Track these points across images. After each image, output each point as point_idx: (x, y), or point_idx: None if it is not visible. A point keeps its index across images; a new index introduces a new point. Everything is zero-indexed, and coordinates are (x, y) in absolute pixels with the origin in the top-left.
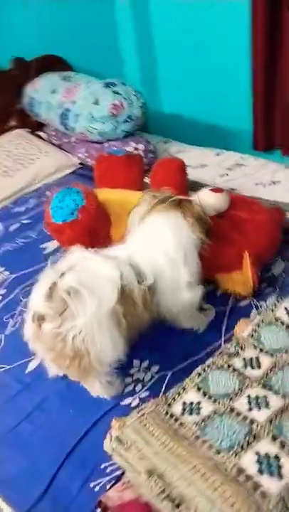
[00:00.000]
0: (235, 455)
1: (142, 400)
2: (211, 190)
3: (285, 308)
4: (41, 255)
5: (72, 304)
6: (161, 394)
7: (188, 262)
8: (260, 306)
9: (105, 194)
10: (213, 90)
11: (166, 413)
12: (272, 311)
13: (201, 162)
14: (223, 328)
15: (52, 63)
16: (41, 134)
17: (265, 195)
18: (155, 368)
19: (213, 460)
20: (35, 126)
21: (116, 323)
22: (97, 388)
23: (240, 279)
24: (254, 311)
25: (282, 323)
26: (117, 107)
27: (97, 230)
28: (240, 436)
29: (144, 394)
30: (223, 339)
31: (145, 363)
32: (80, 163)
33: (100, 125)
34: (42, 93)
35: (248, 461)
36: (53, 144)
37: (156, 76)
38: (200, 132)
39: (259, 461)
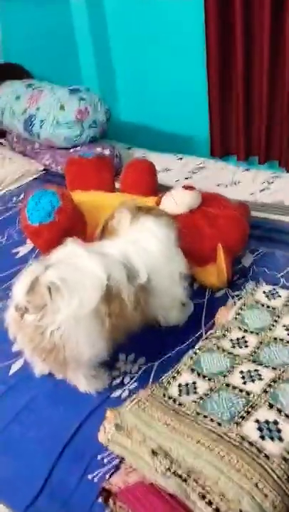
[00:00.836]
0: (237, 425)
1: (132, 392)
2: (183, 187)
3: (264, 292)
4: (14, 259)
5: (51, 300)
6: (149, 384)
7: (179, 256)
8: (235, 296)
9: (77, 196)
10: (170, 99)
11: (164, 395)
12: (252, 295)
13: (165, 166)
14: (203, 319)
15: (12, 71)
16: (2, 141)
17: (227, 195)
18: (141, 360)
19: (215, 432)
20: None
21: (99, 323)
22: (82, 382)
23: (215, 271)
24: (230, 300)
25: (263, 304)
26: (82, 113)
27: (73, 230)
28: (239, 407)
29: (133, 385)
30: (204, 329)
31: (131, 356)
32: (44, 169)
33: (66, 130)
34: (4, 100)
35: (249, 429)
36: (16, 151)
37: (114, 85)
38: (158, 140)
39: (259, 428)
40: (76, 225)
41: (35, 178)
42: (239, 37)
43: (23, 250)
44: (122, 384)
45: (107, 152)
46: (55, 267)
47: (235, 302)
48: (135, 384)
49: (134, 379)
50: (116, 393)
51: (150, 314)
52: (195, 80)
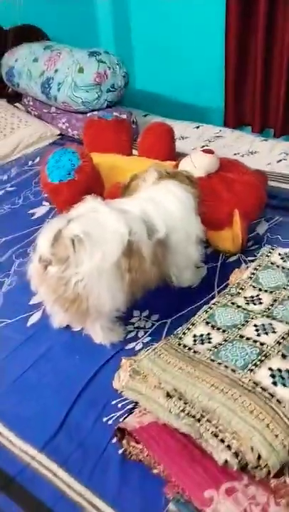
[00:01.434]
0: (250, 371)
1: (146, 345)
2: (202, 151)
3: (279, 254)
4: (30, 220)
5: (74, 252)
6: (163, 338)
7: (196, 220)
8: (249, 261)
9: (95, 158)
10: (187, 68)
11: (179, 344)
12: (267, 256)
13: (182, 134)
14: (216, 281)
15: (29, 33)
16: (18, 105)
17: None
18: (155, 317)
19: (229, 377)
20: (12, 97)
21: (119, 276)
22: (99, 333)
23: (230, 236)
24: (243, 264)
25: (278, 266)
26: (101, 76)
27: (92, 190)
28: (253, 356)
29: (146, 339)
30: (216, 291)
31: (145, 313)
32: (60, 134)
33: (84, 94)
34: (22, 62)
35: (262, 376)
36: (32, 115)
37: (130, 52)
38: (173, 109)
39: (272, 375)
40: (94, 185)
41: (52, 143)
42: (261, 7)
43: (39, 212)
44: (136, 337)
45: (124, 117)
46: (78, 220)
47: (248, 266)
48: (149, 338)
49: (148, 333)
50: (130, 345)
51: (166, 271)
52: (212, 48)
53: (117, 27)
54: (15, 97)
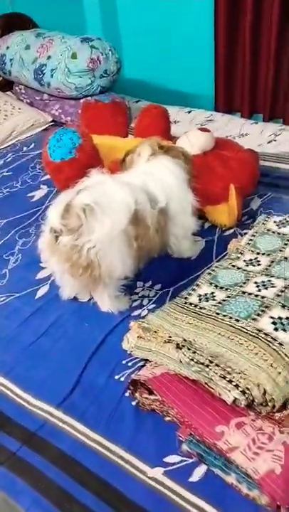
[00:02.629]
0: (253, 320)
1: (150, 311)
2: (198, 129)
3: (274, 221)
4: (30, 202)
5: (86, 221)
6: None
7: (189, 193)
8: (244, 234)
9: (94, 140)
10: (176, 54)
11: (185, 303)
12: (263, 224)
13: (174, 119)
14: (214, 253)
15: (19, 21)
16: (9, 93)
17: None
18: (158, 286)
19: (234, 326)
20: (1, 86)
21: (127, 243)
22: (106, 301)
23: (226, 210)
24: (239, 237)
25: (273, 232)
26: (94, 62)
27: (92, 168)
28: (255, 307)
29: (151, 306)
30: (214, 261)
31: (148, 283)
32: (53, 121)
33: (77, 79)
34: (13, 50)
35: (265, 324)
36: (24, 103)
37: (119, 39)
38: (163, 96)
39: (274, 323)
40: (94, 163)
41: (45, 129)
42: None
43: (38, 194)
44: (141, 305)
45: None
46: (87, 191)
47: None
48: (153, 305)
49: (152, 301)
50: (136, 312)
51: (166, 241)
52: (202, 34)
53: (104, 15)
54: (4, 86)
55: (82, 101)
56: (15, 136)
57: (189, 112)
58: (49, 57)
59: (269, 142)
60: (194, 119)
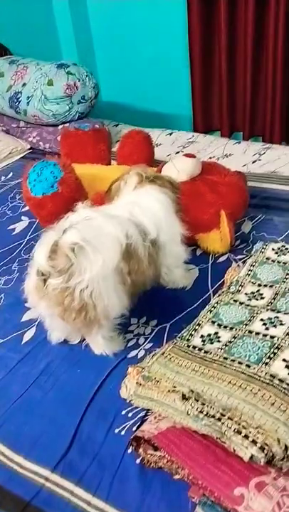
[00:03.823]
0: (265, 364)
1: (148, 351)
2: (183, 155)
3: (273, 249)
4: (11, 236)
5: (77, 260)
6: (164, 343)
7: (177, 222)
8: (238, 260)
9: (76, 169)
10: (152, 77)
11: (188, 346)
12: (261, 252)
13: (156, 141)
14: (209, 282)
15: None
16: None
17: None
18: (153, 322)
19: (245, 373)
20: None
21: (121, 280)
22: (100, 344)
23: (218, 237)
24: (234, 263)
25: (273, 260)
26: (71, 88)
27: (76, 200)
28: (265, 349)
29: (148, 345)
30: (211, 291)
31: (143, 319)
32: (30, 148)
33: (55, 106)
34: None
35: (278, 368)
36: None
37: (94, 65)
38: (141, 119)
39: (287, 366)
40: (79, 196)
41: (23, 157)
42: (222, 12)
43: (19, 227)
44: (136, 345)
45: (96, 128)
46: (74, 229)
47: (239, 265)
48: (150, 344)
49: (149, 339)
50: (132, 353)
51: (159, 271)
52: (177, 55)
53: (79, 39)
54: None
55: (60, 127)
56: None
57: (170, 134)
58: (24, 85)
59: (254, 162)
60: (176, 141)
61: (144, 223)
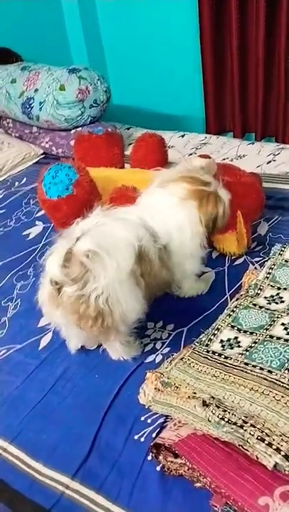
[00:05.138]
0: (288, 370)
1: (165, 356)
2: (199, 156)
3: None
4: (26, 241)
5: (92, 267)
6: (181, 347)
7: (193, 241)
8: (255, 262)
9: (90, 173)
10: (163, 80)
11: (208, 352)
12: (280, 255)
13: (168, 143)
14: (226, 285)
15: (3, 56)
16: None
17: None
18: (170, 327)
19: (267, 379)
20: None
21: (136, 283)
22: (118, 349)
23: (234, 239)
24: (251, 266)
25: None
26: (83, 92)
27: (91, 202)
28: (287, 355)
29: (165, 350)
30: (228, 294)
31: (159, 324)
32: (44, 153)
33: (67, 111)
34: None
35: None
36: (13, 137)
37: (105, 68)
38: (153, 121)
39: None
40: (93, 199)
41: (36, 163)
42: (233, 14)
43: (33, 232)
44: (154, 349)
45: (110, 131)
46: (87, 235)
47: (256, 268)
48: (168, 348)
49: (166, 344)
50: (150, 358)
51: (172, 275)
52: (188, 56)
53: (89, 43)
54: None
55: (72, 132)
56: (6, 171)
57: (183, 136)
58: (36, 90)
59: (268, 163)
60: (188, 143)
61: (153, 228)
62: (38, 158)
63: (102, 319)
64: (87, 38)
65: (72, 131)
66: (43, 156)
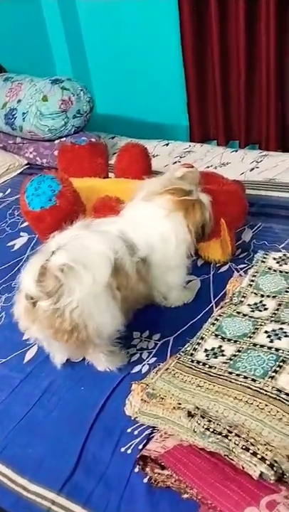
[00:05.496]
0: (271, 378)
1: (152, 366)
2: (181, 166)
3: (274, 258)
4: (10, 253)
5: (67, 281)
6: (168, 357)
7: (178, 252)
8: (240, 269)
9: (74, 183)
10: (146, 89)
11: (192, 361)
12: (263, 262)
13: (152, 153)
14: (211, 293)
15: None
16: None
17: None
18: (156, 336)
19: (251, 388)
20: None
21: (111, 296)
22: (102, 361)
23: (219, 246)
24: (236, 273)
25: (275, 270)
26: (66, 103)
27: (75, 214)
28: (271, 363)
29: (152, 360)
30: (213, 302)
31: (145, 334)
32: (27, 164)
33: (50, 121)
34: None
35: (285, 382)
36: None
37: (88, 78)
38: (137, 130)
39: None
40: (77, 209)
41: (20, 173)
42: (214, 22)
43: (18, 243)
44: (140, 360)
45: (93, 141)
46: (62, 250)
47: (241, 275)
48: (154, 358)
49: (152, 354)
50: (136, 369)
51: (152, 291)
52: (171, 64)
53: (72, 53)
54: None
55: (56, 142)
56: None
57: (167, 145)
58: (19, 101)
59: (252, 170)
60: (173, 152)
61: (133, 240)
62: (22, 169)
63: (77, 333)
64: (70, 48)
65: (56, 141)
66: (27, 166)
